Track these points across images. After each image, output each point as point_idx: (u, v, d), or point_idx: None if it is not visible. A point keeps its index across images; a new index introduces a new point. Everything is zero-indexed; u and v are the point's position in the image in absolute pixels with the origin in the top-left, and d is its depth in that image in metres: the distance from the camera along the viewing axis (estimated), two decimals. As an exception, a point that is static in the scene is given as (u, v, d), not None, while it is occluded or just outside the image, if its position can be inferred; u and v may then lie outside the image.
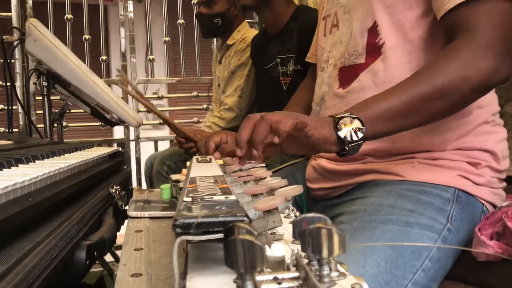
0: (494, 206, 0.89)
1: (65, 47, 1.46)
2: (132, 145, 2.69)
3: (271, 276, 0.27)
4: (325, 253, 0.26)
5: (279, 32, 1.80)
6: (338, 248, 0.26)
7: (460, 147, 0.90)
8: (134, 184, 2.54)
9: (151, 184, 2.33)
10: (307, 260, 0.29)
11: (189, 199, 0.34)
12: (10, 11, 2.33)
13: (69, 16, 2.49)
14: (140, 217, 0.90)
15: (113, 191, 1.02)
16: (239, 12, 2.25)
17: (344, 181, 0.98)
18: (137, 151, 2.67)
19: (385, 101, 0.77)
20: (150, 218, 0.91)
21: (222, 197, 0.35)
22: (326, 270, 0.27)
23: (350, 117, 0.75)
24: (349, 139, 0.74)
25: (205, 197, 0.35)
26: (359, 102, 0.81)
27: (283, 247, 0.31)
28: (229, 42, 2.24)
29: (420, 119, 0.80)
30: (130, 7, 2.62)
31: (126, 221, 0.96)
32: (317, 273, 0.27)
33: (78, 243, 0.67)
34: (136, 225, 0.85)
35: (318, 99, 1.06)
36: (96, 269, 2.02)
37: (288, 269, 0.31)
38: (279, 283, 0.27)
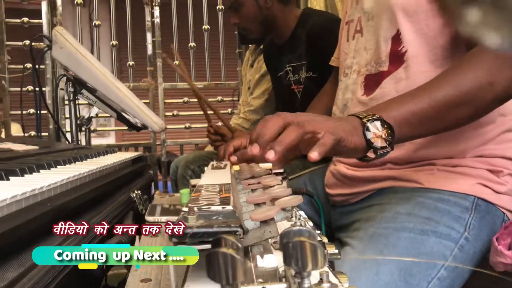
0: (516, 215, 0.87)
1: (89, 54, 1.50)
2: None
3: (259, 287, 0.28)
4: (308, 267, 0.27)
5: (287, 41, 1.76)
6: (321, 262, 0.26)
7: (481, 154, 0.88)
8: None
9: (176, 188, 2.35)
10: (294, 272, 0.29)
11: (186, 209, 0.35)
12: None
13: (97, 23, 2.56)
14: (157, 222, 0.92)
15: (134, 195, 1.03)
16: None
17: (362, 187, 0.97)
18: (163, 154, 2.70)
19: (412, 104, 0.74)
20: None
21: (219, 208, 0.36)
22: (306, 283, 0.27)
23: (380, 121, 0.70)
24: (378, 146, 0.70)
25: (203, 207, 0.36)
26: (383, 102, 0.78)
27: (274, 258, 0.32)
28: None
29: (444, 125, 0.78)
30: (157, 12, 2.66)
31: (145, 225, 0.97)
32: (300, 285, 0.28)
33: (96, 247, 0.68)
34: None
35: (341, 105, 1.05)
36: (122, 270, 2.05)
37: (281, 280, 0.32)
38: (265, 294, 0.27)
